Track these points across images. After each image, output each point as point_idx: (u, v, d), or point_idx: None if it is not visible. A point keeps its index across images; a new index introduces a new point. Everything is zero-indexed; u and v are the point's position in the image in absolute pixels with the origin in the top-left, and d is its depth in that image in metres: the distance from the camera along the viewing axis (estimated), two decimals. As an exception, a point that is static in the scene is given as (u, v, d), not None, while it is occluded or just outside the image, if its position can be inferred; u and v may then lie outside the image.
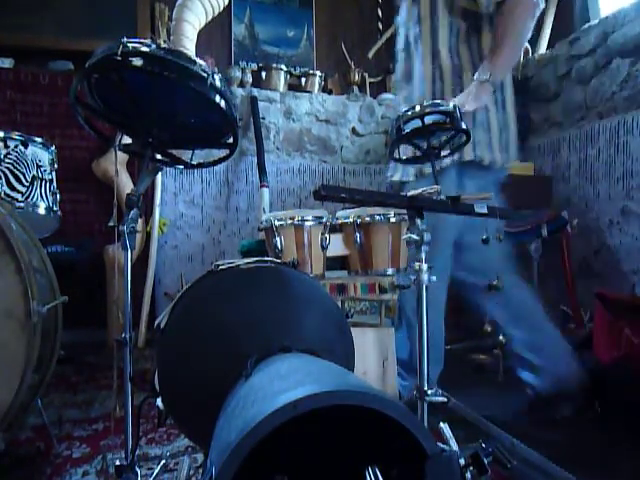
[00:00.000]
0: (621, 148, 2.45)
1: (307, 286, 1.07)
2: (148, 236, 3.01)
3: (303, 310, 1.00)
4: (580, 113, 2.71)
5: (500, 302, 1.70)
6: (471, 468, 0.71)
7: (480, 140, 1.58)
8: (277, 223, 1.43)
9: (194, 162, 1.25)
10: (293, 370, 0.76)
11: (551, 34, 3.05)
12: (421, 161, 1.65)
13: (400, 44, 1.77)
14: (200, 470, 1.25)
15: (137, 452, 1.03)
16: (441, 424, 0.99)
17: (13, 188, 1.77)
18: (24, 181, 1.80)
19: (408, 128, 1.42)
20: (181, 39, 2.76)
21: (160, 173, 2.97)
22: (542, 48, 3.06)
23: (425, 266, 1.14)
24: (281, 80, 3.49)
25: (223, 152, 1.23)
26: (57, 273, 1.55)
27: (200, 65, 1.00)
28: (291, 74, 3.63)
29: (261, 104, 3.37)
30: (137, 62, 0.96)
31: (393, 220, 1.46)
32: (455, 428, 0.98)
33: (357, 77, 3.75)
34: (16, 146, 1.78)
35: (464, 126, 1.41)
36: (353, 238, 1.47)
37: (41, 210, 1.87)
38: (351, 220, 1.48)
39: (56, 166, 1.98)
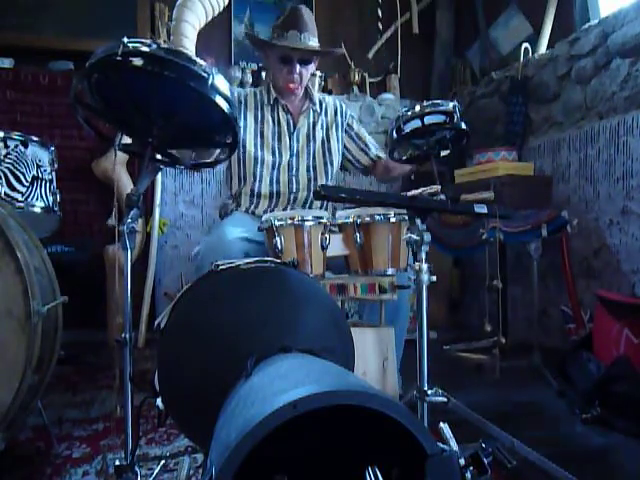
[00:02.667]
0: (621, 148, 2.45)
1: (307, 286, 1.07)
2: (148, 236, 3.00)
3: (303, 310, 1.00)
4: (580, 113, 2.71)
5: None
6: (471, 468, 0.71)
7: None
8: (277, 223, 1.43)
9: (194, 162, 1.25)
10: (293, 370, 0.76)
11: (551, 34, 3.05)
12: (421, 161, 1.65)
13: None
14: (200, 470, 1.25)
15: (137, 452, 1.03)
16: (441, 424, 0.99)
17: (13, 188, 1.77)
18: (24, 181, 1.80)
19: (408, 128, 1.42)
20: (181, 39, 2.75)
21: (160, 173, 2.97)
22: (542, 48, 3.05)
23: (425, 266, 1.14)
24: (281, 80, 3.49)
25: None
26: (57, 273, 1.55)
27: (200, 65, 1.00)
28: (291, 74, 3.63)
29: (261, 104, 3.37)
30: (137, 62, 0.96)
31: (393, 220, 1.46)
32: (455, 428, 0.98)
33: (357, 77, 3.75)
34: (16, 146, 1.78)
35: (463, 126, 1.41)
36: (353, 238, 1.47)
37: (41, 210, 1.87)
38: (351, 220, 1.48)
39: (56, 166, 1.98)
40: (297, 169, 1.90)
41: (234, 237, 1.60)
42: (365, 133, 2.07)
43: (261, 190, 1.87)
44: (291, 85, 1.83)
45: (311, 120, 1.96)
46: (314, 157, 1.93)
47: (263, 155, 1.87)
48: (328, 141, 1.97)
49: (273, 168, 1.88)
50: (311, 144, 1.94)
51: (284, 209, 1.88)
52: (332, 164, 1.95)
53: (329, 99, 2.06)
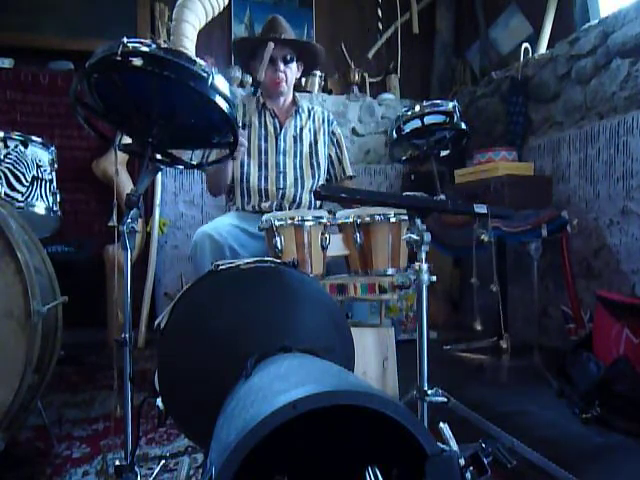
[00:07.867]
0: (621, 148, 2.45)
1: (307, 286, 1.07)
2: (148, 236, 3.00)
3: (303, 310, 1.00)
4: (580, 113, 2.71)
5: None
6: (471, 468, 0.71)
7: None
8: (277, 223, 1.43)
9: (194, 162, 1.25)
10: (293, 370, 0.76)
11: (551, 34, 3.05)
12: (421, 161, 1.65)
13: None
14: (200, 470, 1.25)
15: (137, 452, 1.03)
16: (441, 424, 0.99)
17: (13, 188, 1.77)
18: (24, 181, 1.80)
19: (408, 128, 1.42)
20: (181, 39, 2.75)
21: (160, 173, 2.97)
22: (542, 48, 3.05)
23: (425, 266, 1.14)
24: (281, 80, 3.49)
25: (223, 152, 1.23)
26: (57, 273, 1.54)
27: (200, 65, 1.00)
28: (291, 74, 3.62)
29: (261, 104, 3.37)
30: (137, 62, 0.96)
31: (393, 220, 1.46)
32: (455, 428, 0.98)
33: (357, 77, 3.75)
34: (16, 146, 1.78)
35: (463, 126, 1.41)
36: (353, 238, 1.47)
37: (41, 210, 1.86)
38: (351, 220, 1.48)
39: (56, 166, 1.98)
40: (284, 165, 1.99)
41: (226, 223, 1.74)
42: (344, 149, 2.16)
43: (250, 188, 1.96)
44: (277, 80, 1.95)
45: (298, 124, 2.06)
46: (301, 157, 2.02)
47: (250, 156, 1.96)
48: (316, 144, 2.06)
49: (260, 167, 1.97)
50: (298, 145, 2.04)
51: (275, 205, 1.95)
52: (319, 167, 2.04)
53: (317, 109, 2.17)
